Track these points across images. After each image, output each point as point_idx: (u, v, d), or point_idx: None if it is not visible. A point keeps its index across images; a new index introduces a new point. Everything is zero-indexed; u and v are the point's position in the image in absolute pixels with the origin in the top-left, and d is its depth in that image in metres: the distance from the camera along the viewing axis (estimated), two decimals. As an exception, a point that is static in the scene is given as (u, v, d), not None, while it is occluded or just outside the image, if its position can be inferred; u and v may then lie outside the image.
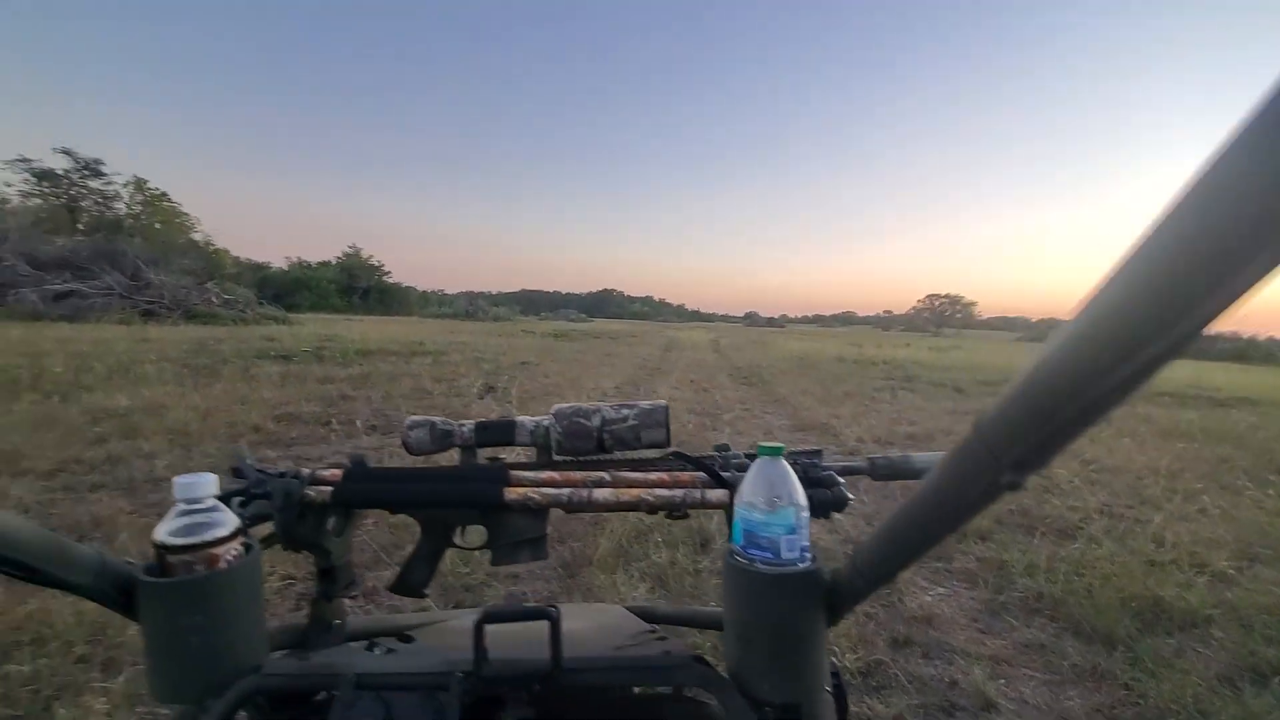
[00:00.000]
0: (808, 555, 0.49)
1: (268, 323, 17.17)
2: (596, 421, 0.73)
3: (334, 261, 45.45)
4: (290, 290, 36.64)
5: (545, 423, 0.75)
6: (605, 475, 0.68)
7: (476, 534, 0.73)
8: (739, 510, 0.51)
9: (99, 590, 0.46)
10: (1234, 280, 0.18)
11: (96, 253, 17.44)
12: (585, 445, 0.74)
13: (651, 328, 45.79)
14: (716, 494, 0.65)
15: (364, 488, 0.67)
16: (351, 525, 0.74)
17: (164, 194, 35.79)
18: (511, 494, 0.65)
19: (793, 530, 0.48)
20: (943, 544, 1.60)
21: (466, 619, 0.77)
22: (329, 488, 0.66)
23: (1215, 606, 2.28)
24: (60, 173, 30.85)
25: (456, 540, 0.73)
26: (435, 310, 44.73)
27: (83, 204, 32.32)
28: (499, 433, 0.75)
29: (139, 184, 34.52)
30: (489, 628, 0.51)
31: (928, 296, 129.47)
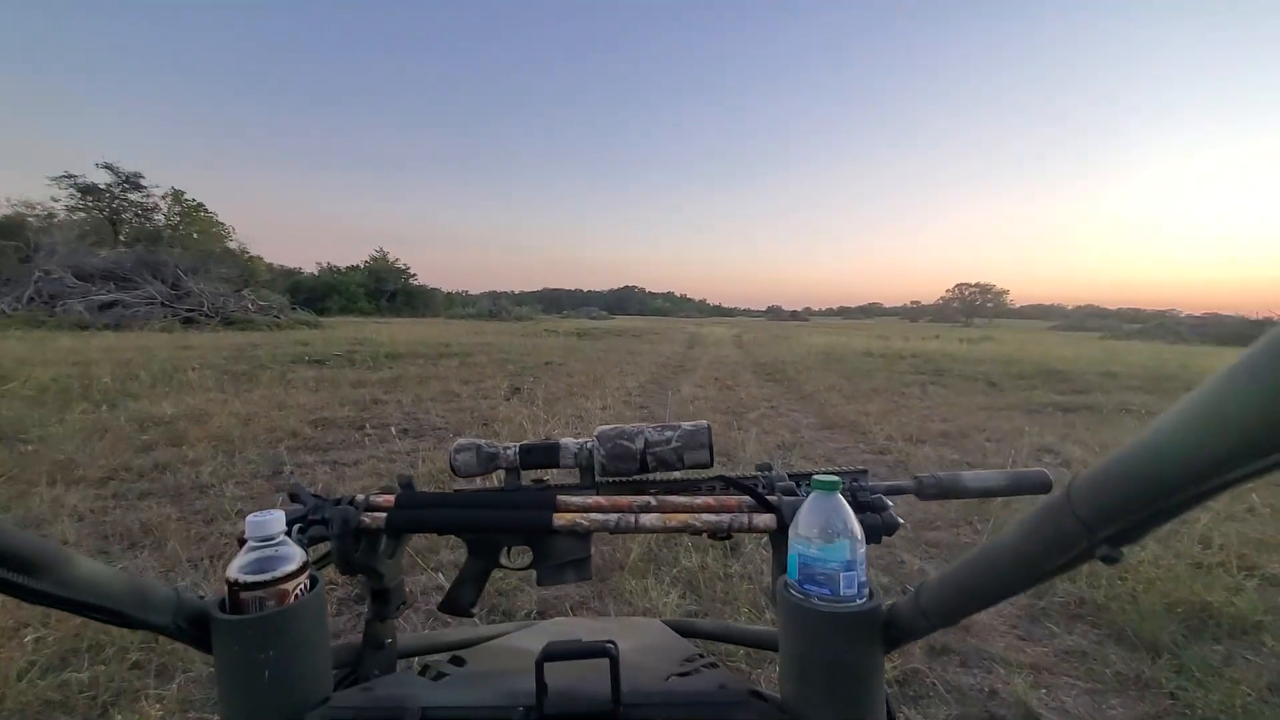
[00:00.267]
0: (865, 590, 0.49)
1: (300, 327, 17.69)
2: (639, 444, 0.74)
3: (362, 265, 46.54)
4: (321, 294, 37.65)
5: (589, 445, 0.75)
6: (651, 500, 0.68)
7: (522, 555, 0.74)
8: (794, 544, 0.51)
9: (177, 628, 0.48)
10: None
11: (138, 263, 18.19)
12: (628, 467, 0.74)
13: (673, 324, 45.69)
14: (764, 519, 0.65)
15: (416, 514, 0.69)
16: (403, 548, 0.76)
17: (200, 204, 37.09)
18: (560, 519, 0.66)
19: (850, 566, 0.48)
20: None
21: (516, 639, 0.79)
22: (383, 514, 0.68)
23: (1266, 612, 2.18)
24: (102, 186, 32.17)
25: (503, 561, 0.75)
26: (460, 311, 45.39)
27: (124, 216, 33.63)
28: (543, 455, 0.76)
29: (176, 195, 35.81)
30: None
31: (957, 285, 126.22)
